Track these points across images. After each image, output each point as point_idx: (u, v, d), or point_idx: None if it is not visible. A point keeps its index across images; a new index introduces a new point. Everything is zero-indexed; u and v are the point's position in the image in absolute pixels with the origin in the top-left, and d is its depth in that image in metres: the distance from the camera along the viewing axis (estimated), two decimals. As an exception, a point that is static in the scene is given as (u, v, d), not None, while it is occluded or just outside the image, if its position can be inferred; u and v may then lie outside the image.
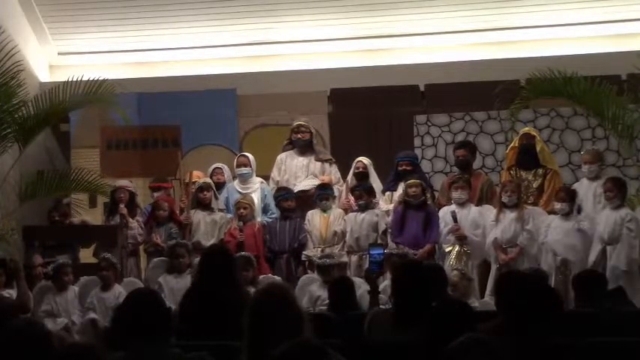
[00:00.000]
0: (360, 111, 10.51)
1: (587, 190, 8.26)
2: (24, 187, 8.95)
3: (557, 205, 7.94)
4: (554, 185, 8.47)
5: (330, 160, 9.31)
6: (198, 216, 8.72)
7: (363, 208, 8.49)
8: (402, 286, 4.78)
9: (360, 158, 9.00)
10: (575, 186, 8.47)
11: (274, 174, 9.30)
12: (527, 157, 8.61)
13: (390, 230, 8.39)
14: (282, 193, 8.86)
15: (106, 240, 8.62)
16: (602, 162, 8.52)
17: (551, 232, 7.87)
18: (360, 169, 8.89)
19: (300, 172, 9.19)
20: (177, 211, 8.84)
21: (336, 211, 8.65)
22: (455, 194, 8.34)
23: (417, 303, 4.55)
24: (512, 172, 8.63)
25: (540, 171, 8.59)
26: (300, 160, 9.24)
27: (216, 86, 10.54)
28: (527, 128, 8.94)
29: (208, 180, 8.95)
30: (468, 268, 7.75)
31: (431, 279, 5.00)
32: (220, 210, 8.84)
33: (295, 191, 8.96)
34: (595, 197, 8.11)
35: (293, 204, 8.75)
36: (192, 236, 8.59)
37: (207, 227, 8.68)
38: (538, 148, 8.63)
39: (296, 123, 9.37)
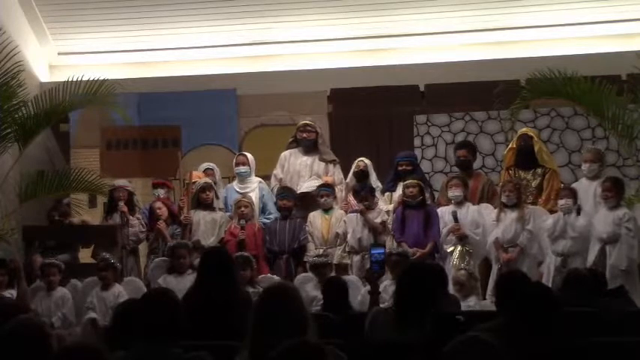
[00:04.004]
0: (360, 111, 10.51)
1: (586, 189, 8.25)
2: (24, 187, 8.93)
3: (561, 201, 7.93)
4: (553, 184, 8.49)
5: (334, 160, 9.24)
6: (199, 215, 8.71)
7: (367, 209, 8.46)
8: (404, 287, 4.78)
9: (360, 158, 9.00)
10: (575, 185, 8.47)
11: (277, 171, 9.26)
12: (525, 157, 8.61)
13: (392, 231, 8.38)
14: (279, 193, 8.85)
15: (106, 240, 8.62)
16: (603, 162, 8.51)
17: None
18: (361, 168, 8.88)
19: (303, 171, 9.17)
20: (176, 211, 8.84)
21: (337, 213, 8.64)
22: (450, 192, 8.34)
23: (419, 303, 4.54)
24: (510, 172, 8.64)
25: (539, 170, 8.60)
26: (304, 160, 9.22)
27: (216, 86, 10.55)
28: (524, 129, 8.94)
29: (209, 180, 8.93)
30: (472, 267, 7.76)
31: (432, 279, 4.99)
32: (220, 209, 8.83)
33: (298, 193, 8.94)
34: (595, 197, 8.10)
35: (289, 204, 8.72)
36: (192, 236, 8.58)
37: (206, 226, 8.65)
38: (536, 149, 8.64)
39: (302, 122, 9.36)
